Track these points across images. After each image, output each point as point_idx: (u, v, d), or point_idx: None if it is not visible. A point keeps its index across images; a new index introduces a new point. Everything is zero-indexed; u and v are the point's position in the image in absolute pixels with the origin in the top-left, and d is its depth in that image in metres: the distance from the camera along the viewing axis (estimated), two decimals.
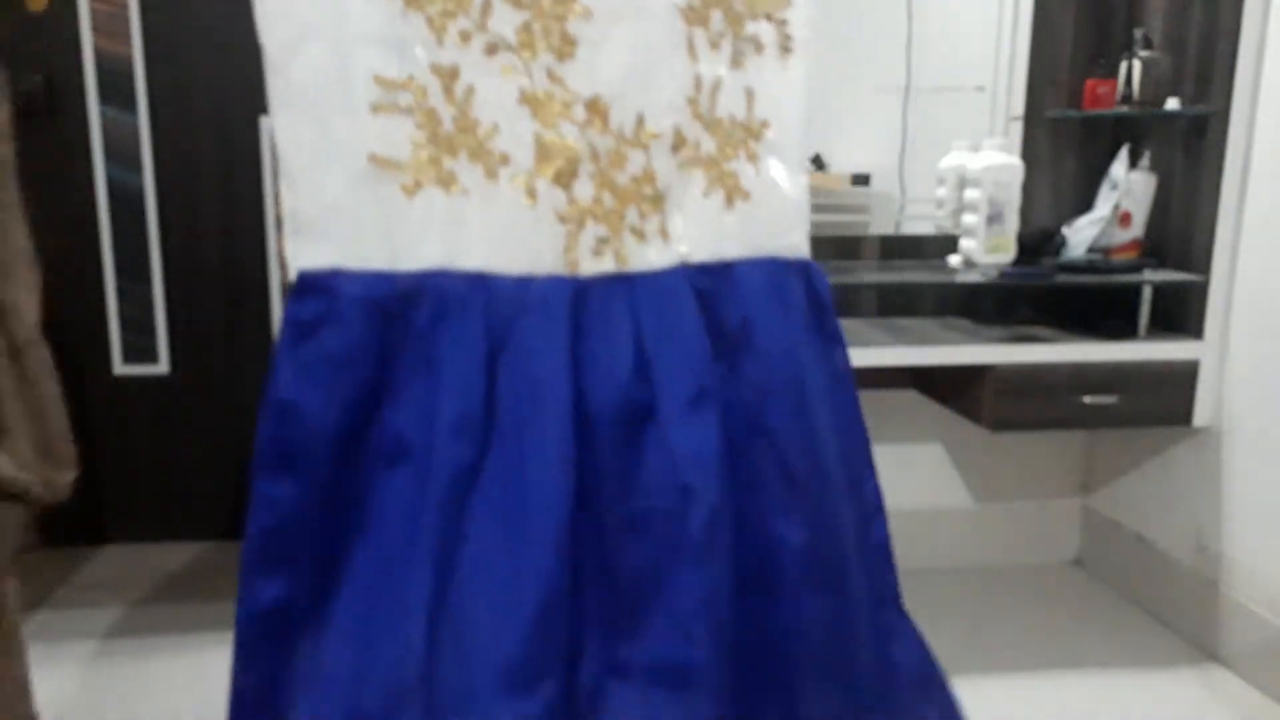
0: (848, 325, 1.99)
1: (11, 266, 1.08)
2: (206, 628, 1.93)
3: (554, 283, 1.02)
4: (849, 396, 1.10)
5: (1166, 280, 1.88)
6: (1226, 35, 1.77)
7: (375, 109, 0.98)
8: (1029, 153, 2.03)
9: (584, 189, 1.04)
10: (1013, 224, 1.86)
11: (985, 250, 1.87)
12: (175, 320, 2.15)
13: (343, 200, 0.99)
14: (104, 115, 2.06)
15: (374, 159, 1.00)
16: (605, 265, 1.05)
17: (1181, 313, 1.90)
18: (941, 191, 1.94)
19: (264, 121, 2.02)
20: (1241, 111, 1.77)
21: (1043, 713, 1.70)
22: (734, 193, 1.09)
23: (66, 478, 1.16)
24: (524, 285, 1.01)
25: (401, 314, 0.99)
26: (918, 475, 2.23)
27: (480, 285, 1.00)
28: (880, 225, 2.08)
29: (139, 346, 2.16)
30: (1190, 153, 1.88)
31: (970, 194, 1.87)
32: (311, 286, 0.99)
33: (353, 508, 0.99)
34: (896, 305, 2.08)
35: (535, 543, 0.96)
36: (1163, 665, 1.85)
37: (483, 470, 0.97)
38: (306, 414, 0.97)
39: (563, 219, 1.04)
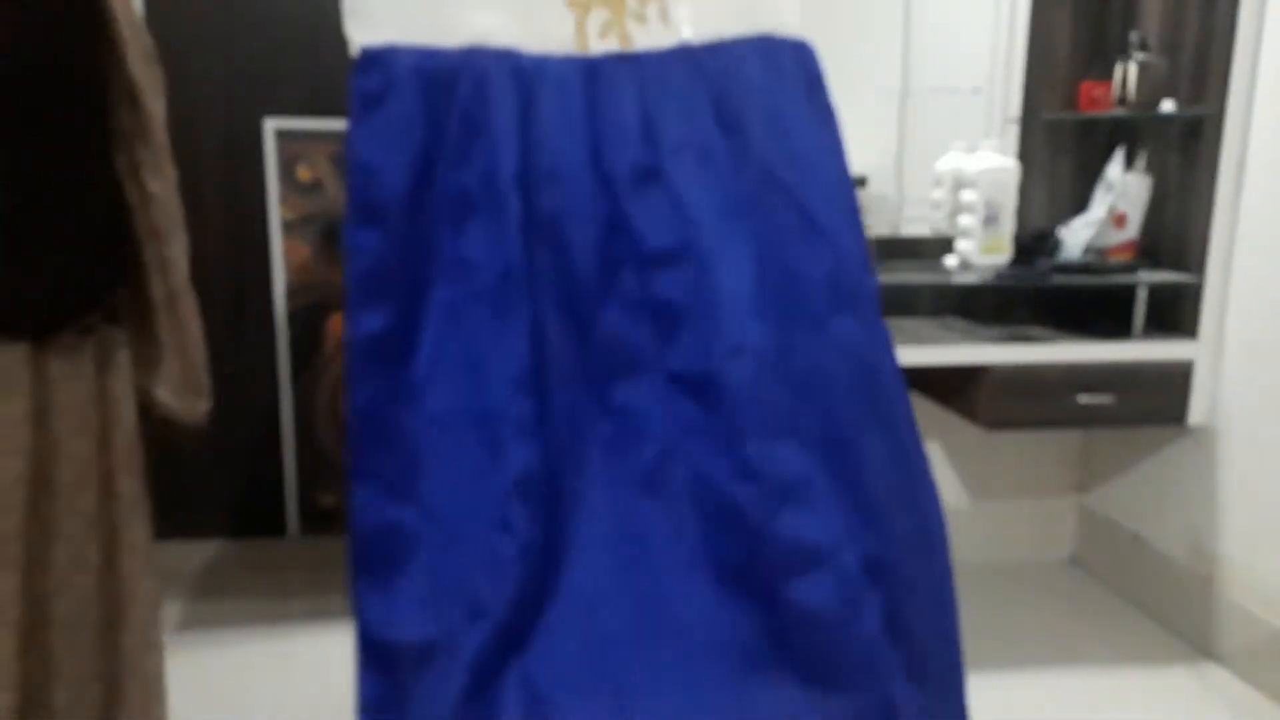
0: None
1: (170, 231, 1.25)
2: (209, 626, 1.93)
3: (568, 61, 1.17)
4: (841, 161, 1.23)
5: (1162, 281, 1.89)
6: (1222, 37, 1.78)
7: None
8: (1025, 154, 2.04)
9: None
10: (1009, 225, 1.88)
11: (981, 251, 1.88)
12: None
13: None
14: None
15: None
16: (610, 45, 1.18)
17: (1177, 313, 1.90)
18: (938, 193, 1.95)
19: (267, 123, 2.03)
20: (1237, 113, 1.78)
21: (1039, 711, 1.71)
22: None
23: (204, 405, 1.35)
24: (542, 62, 1.16)
25: (448, 85, 1.14)
26: None
27: (508, 59, 1.15)
28: (877, 227, 2.08)
29: None
30: (1186, 154, 1.89)
31: (967, 195, 1.88)
32: (373, 61, 1.14)
33: (430, 252, 1.14)
34: (893, 306, 2.09)
35: (577, 274, 1.13)
36: (1158, 663, 1.86)
37: (532, 223, 1.13)
38: (382, 172, 1.13)
39: (571, 5, 1.19)
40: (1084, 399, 1.82)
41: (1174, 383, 1.86)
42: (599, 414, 1.17)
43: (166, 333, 1.27)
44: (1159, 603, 2.03)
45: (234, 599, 2.03)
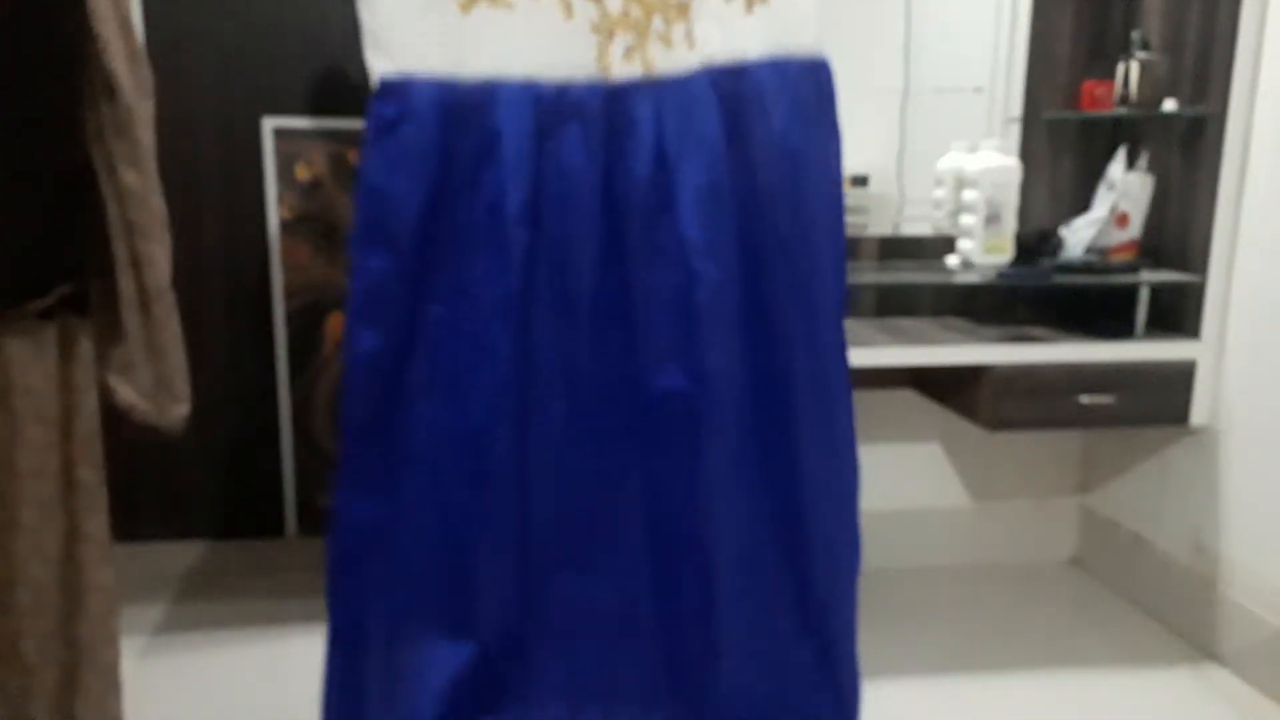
0: (847, 325, 2.00)
1: (150, 227, 1.25)
2: (205, 628, 1.92)
3: (590, 89, 1.20)
4: (835, 177, 1.28)
5: (1164, 280, 1.88)
6: (1224, 37, 1.78)
7: None
8: (1027, 154, 2.03)
9: (614, 2, 1.20)
10: (1010, 225, 1.87)
11: (983, 251, 1.87)
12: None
13: (411, 18, 1.17)
14: None
15: None
16: (634, 70, 1.21)
17: (1179, 313, 1.90)
18: (939, 192, 1.95)
19: (265, 122, 2.02)
20: (1239, 112, 1.77)
21: (1040, 712, 1.70)
22: None
23: (180, 410, 1.33)
24: (564, 90, 1.19)
25: (466, 116, 1.18)
26: (916, 475, 2.23)
27: (529, 91, 1.18)
28: (879, 226, 2.08)
29: None
30: (1187, 154, 1.88)
31: (968, 195, 1.87)
32: (391, 90, 1.18)
33: (433, 278, 1.19)
34: (895, 306, 2.09)
35: (575, 308, 1.19)
36: (1160, 664, 1.86)
37: (537, 248, 1.18)
38: (393, 198, 1.17)
39: (595, 29, 1.20)
40: (1085, 399, 1.81)
41: (1176, 383, 1.85)
42: (588, 425, 1.23)
43: (140, 332, 1.27)
44: (1161, 603, 2.02)
45: (230, 600, 2.02)
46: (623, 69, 1.20)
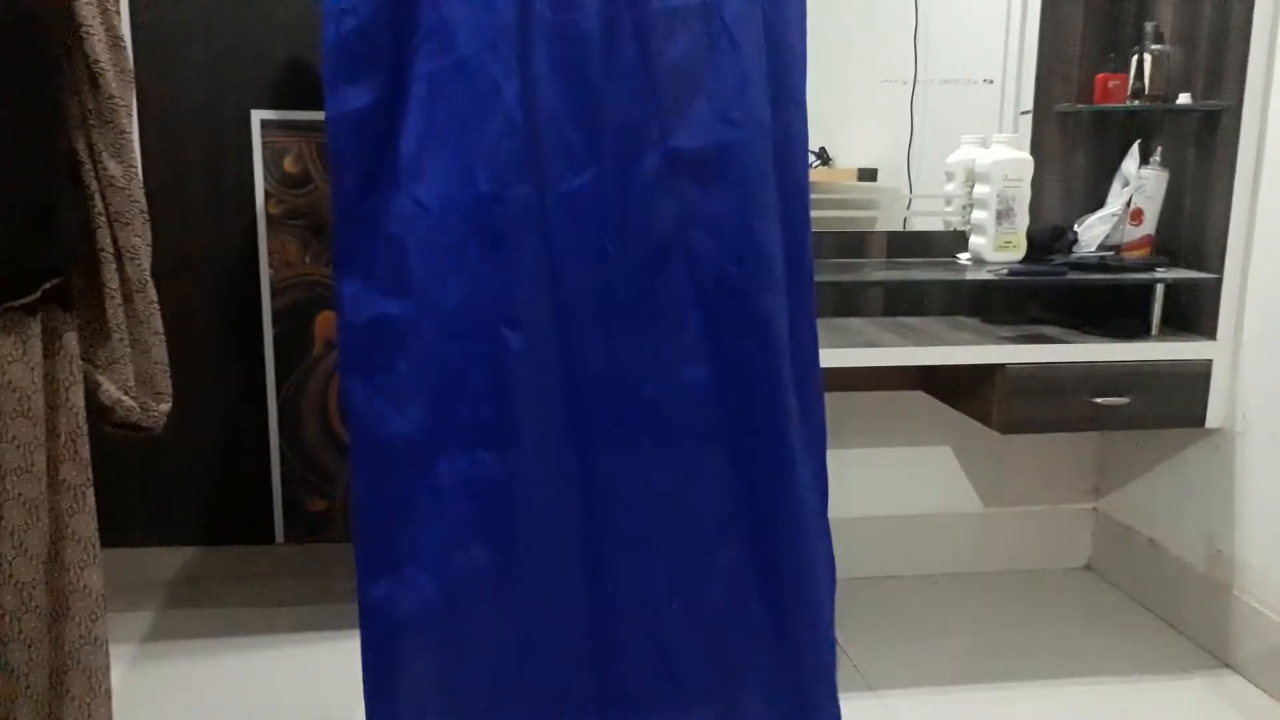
0: (854, 324, 1.96)
1: (131, 217, 1.23)
2: (191, 634, 1.88)
3: None
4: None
5: (1179, 278, 1.85)
6: (1238, 29, 1.75)
7: None
8: (1039, 148, 2.00)
9: None
10: (1023, 220, 1.84)
11: (995, 247, 1.84)
12: (163, 320, 2.10)
13: None
14: None
15: None
16: None
17: (1194, 311, 1.87)
18: (950, 187, 1.92)
19: (254, 115, 1.97)
20: (1254, 106, 1.74)
21: (1054, 719, 1.67)
22: None
23: (163, 407, 1.31)
24: None
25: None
26: (927, 479, 2.20)
27: None
28: (888, 221, 2.05)
29: None
30: (1202, 148, 1.85)
31: (979, 190, 1.84)
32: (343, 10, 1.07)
33: (413, 13, 1.08)
34: (904, 304, 2.05)
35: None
36: (1175, 671, 1.83)
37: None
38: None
39: None
40: (1100, 400, 1.78)
41: (1192, 384, 1.82)
42: (603, 196, 1.16)
43: (123, 326, 1.25)
44: (1176, 609, 2.00)
45: (218, 607, 1.99)
46: None
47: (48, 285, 1.13)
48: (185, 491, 2.11)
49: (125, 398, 1.26)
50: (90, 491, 1.22)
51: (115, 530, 2.15)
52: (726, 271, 1.18)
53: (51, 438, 1.17)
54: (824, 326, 1.88)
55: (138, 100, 2.02)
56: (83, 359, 1.22)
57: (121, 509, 2.10)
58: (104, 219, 1.21)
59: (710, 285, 1.19)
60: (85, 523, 1.21)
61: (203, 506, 2.12)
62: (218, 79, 1.97)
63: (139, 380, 1.28)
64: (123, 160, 1.21)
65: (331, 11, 1.09)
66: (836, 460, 2.12)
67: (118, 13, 1.23)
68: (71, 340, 1.18)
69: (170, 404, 1.32)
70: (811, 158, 1.96)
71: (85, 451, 1.21)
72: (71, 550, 1.20)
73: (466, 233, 1.12)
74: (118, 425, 1.28)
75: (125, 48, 1.23)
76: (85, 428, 1.21)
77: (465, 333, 1.14)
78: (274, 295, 2.02)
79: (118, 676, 1.71)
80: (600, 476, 1.21)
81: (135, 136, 1.27)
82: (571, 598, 1.23)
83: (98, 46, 1.17)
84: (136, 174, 1.25)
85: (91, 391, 1.23)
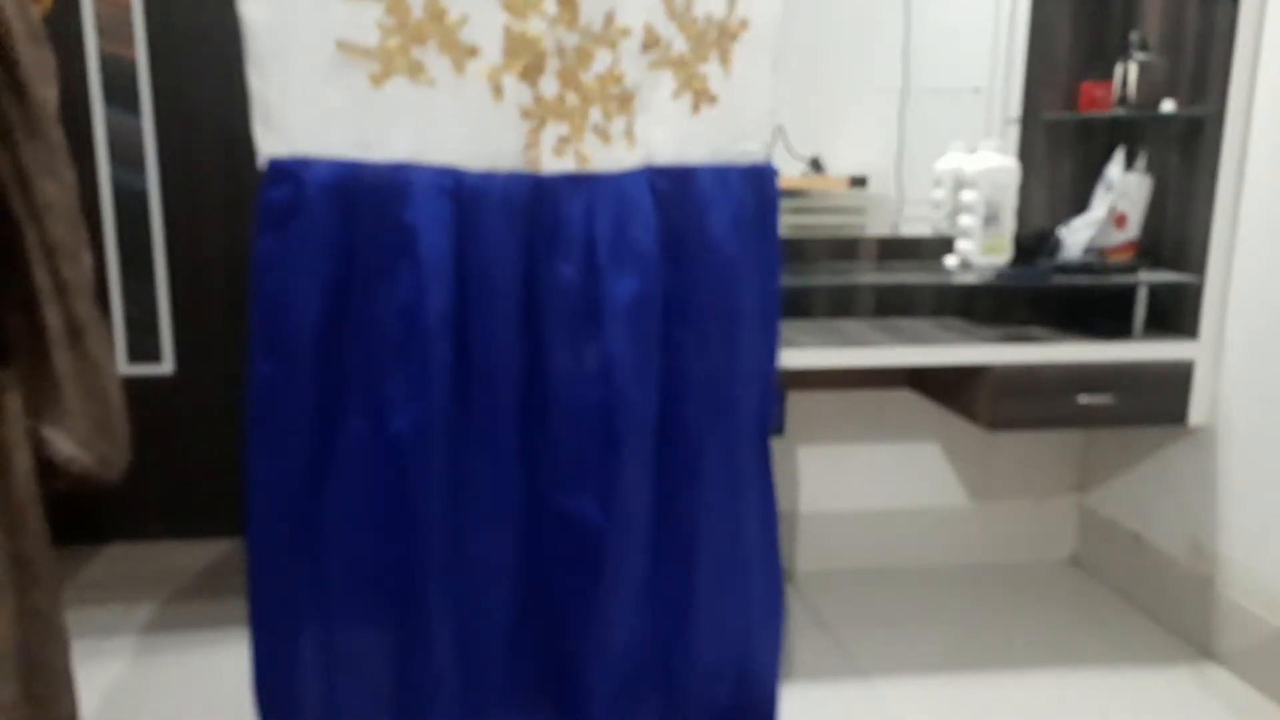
0: (845, 326, 2.00)
1: (75, 249, 1.07)
2: (209, 626, 1.92)
3: (515, 179, 1.06)
4: (772, 283, 1.21)
5: (1162, 281, 1.88)
6: (1222, 37, 1.78)
7: None
8: (1025, 154, 2.04)
9: (549, 85, 1.05)
10: (1009, 225, 1.87)
11: (982, 251, 1.87)
12: (179, 321, 2.16)
13: (311, 88, 0.99)
14: (108, 118, 2.07)
15: (342, 46, 0.99)
16: (566, 164, 1.07)
17: (1177, 313, 1.90)
18: (938, 193, 1.95)
19: None
20: (1237, 113, 1.77)
21: (1038, 711, 1.71)
22: (702, 97, 1.13)
23: (123, 458, 1.16)
24: (487, 180, 1.05)
25: (374, 206, 1.02)
26: (915, 475, 2.23)
27: (449, 178, 1.04)
28: (877, 227, 2.08)
29: (143, 347, 2.17)
30: (1186, 154, 1.89)
31: (967, 196, 1.87)
32: (282, 174, 1.00)
33: (343, 388, 1.06)
34: (893, 306, 2.09)
35: (498, 438, 1.10)
36: (1158, 663, 1.86)
37: (457, 365, 1.07)
38: (290, 305, 1.03)
39: (526, 115, 1.05)
40: (1084, 399, 1.81)
41: (1174, 383, 1.85)
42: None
43: (70, 370, 1.08)
44: (1159, 603, 2.03)
45: (233, 599, 2.02)
46: (553, 163, 1.07)
47: None
48: (211, 485, 2.15)
49: (81, 453, 1.10)
50: (49, 562, 1.09)
51: (133, 523, 2.21)
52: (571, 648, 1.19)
53: (2, 510, 1.02)
54: (817, 327, 1.94)
55: (154, 107, 2.06)
56: (28, 414, 1.06)
57: (138, 505, 2.15)
58: (41, 252, 1.03)
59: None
60: (46, 597, 1.08)
61: (228, 500, 2.16)
62: (231, 87, 1.99)
63: (95, 430, 1.11)
64: (58, 178, 1.03)
65: (251, 381, 1.07)
66: (829, 456, 2.19)
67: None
68: (14, 398, 1.03)
69: (130, 453, 1.17)
70: (804, 166, 2.01)
71: (40, 519, 1.07)
72: (35, 626, 1.07)
73: (374, 606, 1.14)
74: (72, 481, 1.12)
75: (45, 40, 1.03)
76: (36, 494, 1.07)
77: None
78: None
79: (134, 666, 1.77)
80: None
81: (65, 146, 1.06)
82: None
83: (18, 43, 0.97)
84: (73, 192, 1.06)
85: (39, 449, 1.07)
